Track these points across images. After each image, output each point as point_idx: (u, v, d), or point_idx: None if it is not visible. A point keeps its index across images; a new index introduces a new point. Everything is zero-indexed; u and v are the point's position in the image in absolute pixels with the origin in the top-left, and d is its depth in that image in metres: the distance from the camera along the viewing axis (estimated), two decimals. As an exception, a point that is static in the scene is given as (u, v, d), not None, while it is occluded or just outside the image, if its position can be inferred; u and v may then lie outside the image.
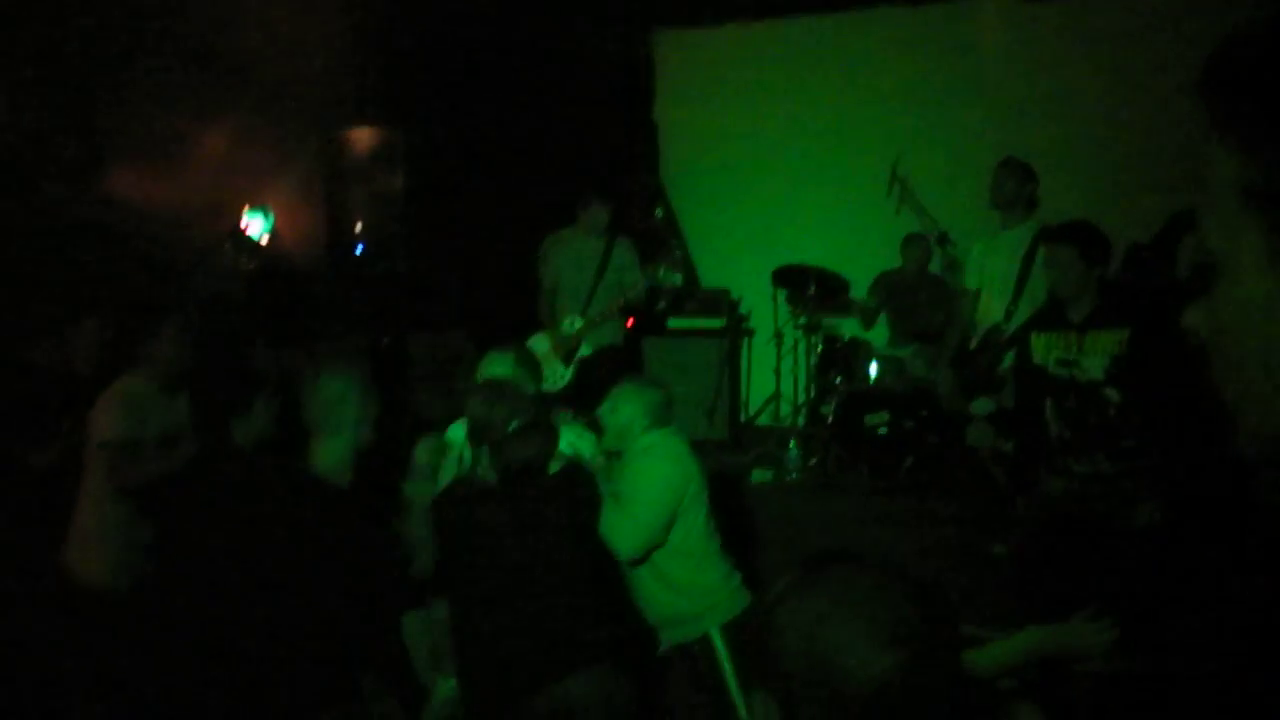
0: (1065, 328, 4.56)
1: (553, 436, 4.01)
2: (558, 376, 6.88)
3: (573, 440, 4.16)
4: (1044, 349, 4.64)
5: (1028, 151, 7.92)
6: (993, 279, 6.11)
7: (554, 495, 3.88)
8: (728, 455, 7.93)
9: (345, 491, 3.73)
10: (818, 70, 9.10)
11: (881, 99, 8.86)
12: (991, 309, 6.08)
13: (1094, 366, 4.46)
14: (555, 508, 3.85)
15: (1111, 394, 4.43)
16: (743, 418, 8.84)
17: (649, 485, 4.18)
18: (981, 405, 5.59)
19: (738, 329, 8.85)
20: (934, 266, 8.09)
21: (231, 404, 4.32)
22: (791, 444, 7.76)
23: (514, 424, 3.82)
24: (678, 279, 7.61)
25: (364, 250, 8.28)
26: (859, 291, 8.30)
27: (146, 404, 4.62)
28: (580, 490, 4.01)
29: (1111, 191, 8.06)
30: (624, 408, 4.39)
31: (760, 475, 7.58)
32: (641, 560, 4.23)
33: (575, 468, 4.05)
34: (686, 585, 4.28)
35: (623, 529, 4.11)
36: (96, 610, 4.50)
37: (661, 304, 7.52)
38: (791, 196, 9.02)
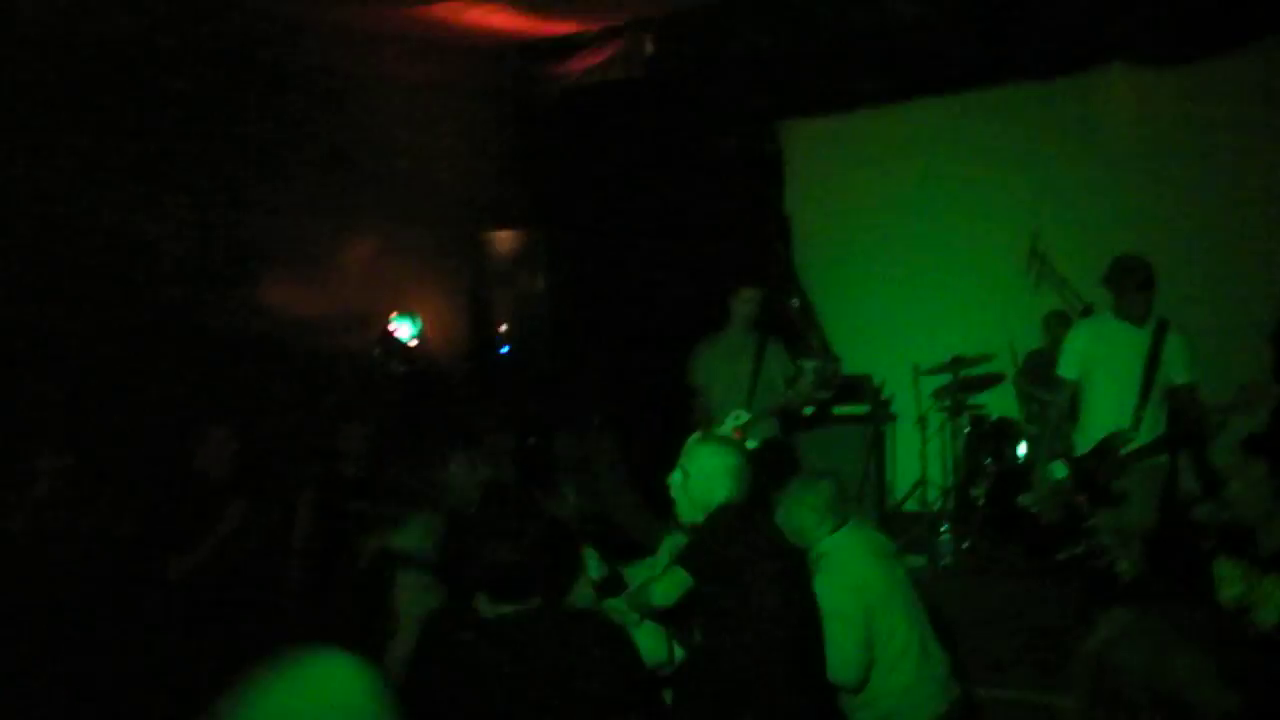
0: (1251, 559, 3.38)
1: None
2: None
3: None
4: (1228, 582, 3.38)
5: (1163, 223, 7.83)
6: (1107, 375, 5.75)
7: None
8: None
9: None
10: (947, 151, 9.05)
11: (1013, 176, 8.76)
12: (1104, 409, 5.72)
13: (1271, 615, 3.23)
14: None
15: None
16: (889, 504, 8.73)
17: (832, 611, 3.99)
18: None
19: (881, 414, 8.76)
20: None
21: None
22: (944, 528, 7.65)
23: None
24: (812, 365, 7.55)
25: (508, 351, 8.43)
26: (999, 366, 8.20)
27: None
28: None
29: (1254, 264, 7.89)
30: (794, 512, 4.29)
31: (912, 561, 7.45)
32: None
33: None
34: (870, 694, 4.10)
35: (830, 660, 3.97)
36: None
37: (823, 394, 7.34)
38: (927, 278, 8.96)
